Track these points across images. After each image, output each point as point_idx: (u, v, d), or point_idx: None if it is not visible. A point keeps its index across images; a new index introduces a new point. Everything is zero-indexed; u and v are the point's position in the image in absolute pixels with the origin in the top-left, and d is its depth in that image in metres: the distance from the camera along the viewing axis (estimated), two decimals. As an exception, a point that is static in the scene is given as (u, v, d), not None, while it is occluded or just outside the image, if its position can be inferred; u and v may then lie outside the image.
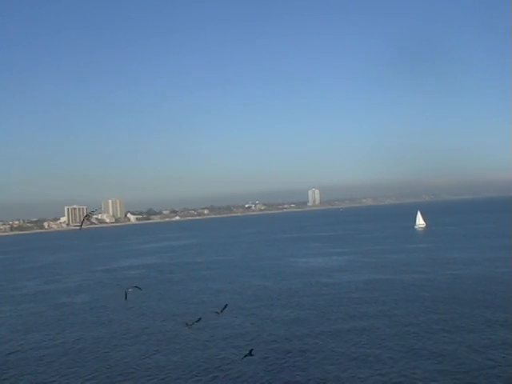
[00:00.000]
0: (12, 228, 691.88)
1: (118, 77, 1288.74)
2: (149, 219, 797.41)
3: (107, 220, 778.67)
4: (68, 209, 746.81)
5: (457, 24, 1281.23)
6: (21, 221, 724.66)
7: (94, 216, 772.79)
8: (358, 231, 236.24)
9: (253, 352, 36.04)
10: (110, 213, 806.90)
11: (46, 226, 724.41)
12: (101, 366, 52.78)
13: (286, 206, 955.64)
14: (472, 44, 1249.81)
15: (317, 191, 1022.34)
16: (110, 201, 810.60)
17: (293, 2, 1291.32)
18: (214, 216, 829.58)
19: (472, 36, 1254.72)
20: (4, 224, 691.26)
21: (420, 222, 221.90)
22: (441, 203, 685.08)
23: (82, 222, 37.59)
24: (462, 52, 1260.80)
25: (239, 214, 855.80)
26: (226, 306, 35.74)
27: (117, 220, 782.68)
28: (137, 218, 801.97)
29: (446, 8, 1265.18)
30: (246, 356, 36.81)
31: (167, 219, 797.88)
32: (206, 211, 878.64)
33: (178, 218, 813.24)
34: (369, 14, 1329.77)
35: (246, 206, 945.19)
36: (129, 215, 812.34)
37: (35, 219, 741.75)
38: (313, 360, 50.06)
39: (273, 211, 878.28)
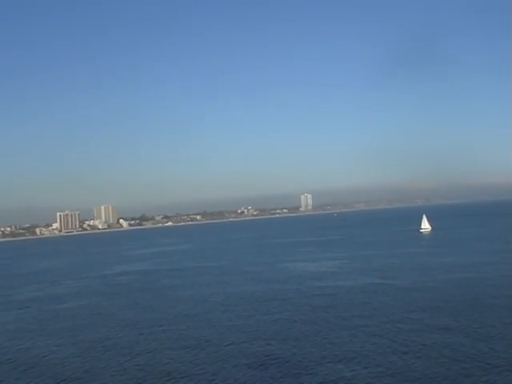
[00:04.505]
0: (4, 235, 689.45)
1: (114, 82, 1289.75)
2: (141, 225, 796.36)
3: (99, 226, 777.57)
4: (60, 215, 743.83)
5: (455, 26, 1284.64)
6: (12, 227, 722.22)
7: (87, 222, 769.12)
8: (361, 235, 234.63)
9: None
10: (103, 218, 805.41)
11: (38, 233, 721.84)
12: (87, 370, 52.20)
13: (278, 210, 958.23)
14: (470, 46, 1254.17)
15: (309, 196, 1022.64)
16: (102, 206, 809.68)
17: (288, 8, 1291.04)
18: (206, 221, 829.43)
19: (470, 38, 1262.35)
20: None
21: (425, 225, 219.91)
22: (435, 207, 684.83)
23: None
24: (459, 54, 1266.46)
25: (232, 219, 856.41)
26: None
27: (109, 226, 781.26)
28: (129, 224, 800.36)
29: (443, 10, 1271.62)
30: None
31: (160, 225, 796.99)
32: (198, 217, 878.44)
33: (170, 223, 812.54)
34: (367, 17, 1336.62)
35: (239, 211, 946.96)
36: (121, 221, 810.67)
37: (27, 225, 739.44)
38: (303, 364, 49.68)
39: (265, 216, 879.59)
